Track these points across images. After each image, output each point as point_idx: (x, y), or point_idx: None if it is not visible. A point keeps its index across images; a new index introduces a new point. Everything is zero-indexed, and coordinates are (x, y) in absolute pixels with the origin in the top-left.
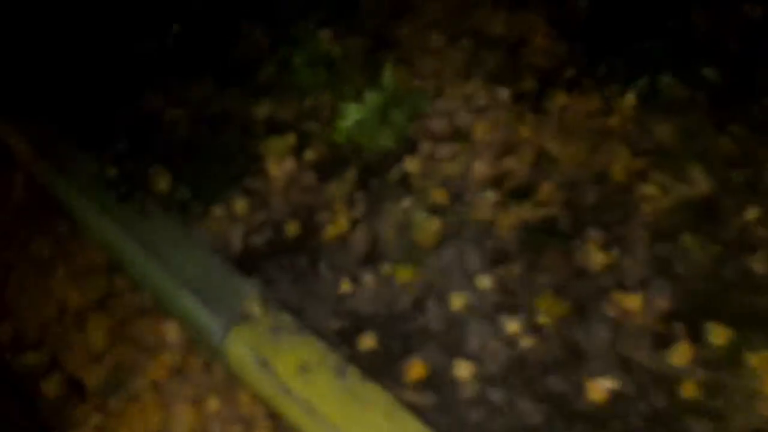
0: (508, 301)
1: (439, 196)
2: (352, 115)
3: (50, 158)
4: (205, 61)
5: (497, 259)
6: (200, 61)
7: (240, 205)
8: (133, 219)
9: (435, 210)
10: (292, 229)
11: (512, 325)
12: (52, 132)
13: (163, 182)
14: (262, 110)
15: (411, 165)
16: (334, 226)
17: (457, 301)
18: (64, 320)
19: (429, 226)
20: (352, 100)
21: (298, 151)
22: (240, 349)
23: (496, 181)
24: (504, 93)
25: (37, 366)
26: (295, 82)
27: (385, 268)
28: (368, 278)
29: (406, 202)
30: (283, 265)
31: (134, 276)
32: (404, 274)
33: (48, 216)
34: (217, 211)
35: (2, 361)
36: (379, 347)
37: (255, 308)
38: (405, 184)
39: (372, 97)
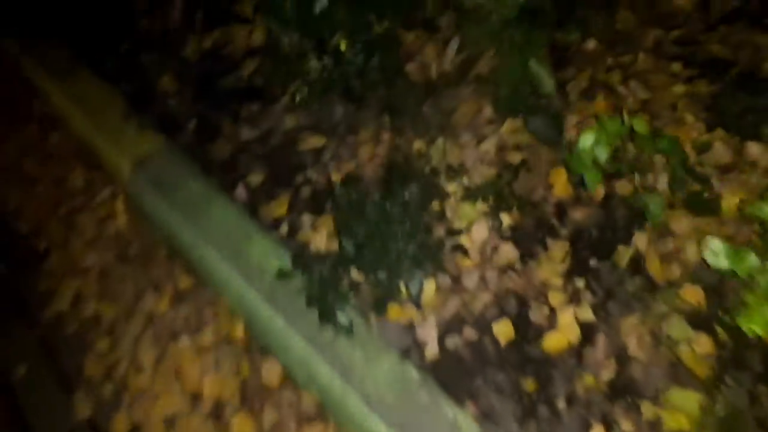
0: None
1: (691, 294)
2: None
3: (164, 189)
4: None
5: None
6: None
7: (429, 291)
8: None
9: (695, 318)
10: (502, 331)
11: None
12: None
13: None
14: (438, 152)
15: (641, 242)
16: (559, 334)
17: None
18: (198, 414)
19: (694, 345)
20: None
21: (492, 214)
22: None
23: None
24: (756, 150)
25: None
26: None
27: (647, 408)
28: (626, 424)
29: (649, 301)
30: (501, 388)
31: (290, 365)
32: (677, 422)
33: (160, 261)
34: (402, 295)
35: None
36: None
37: None
38: (639, 270)
39: None
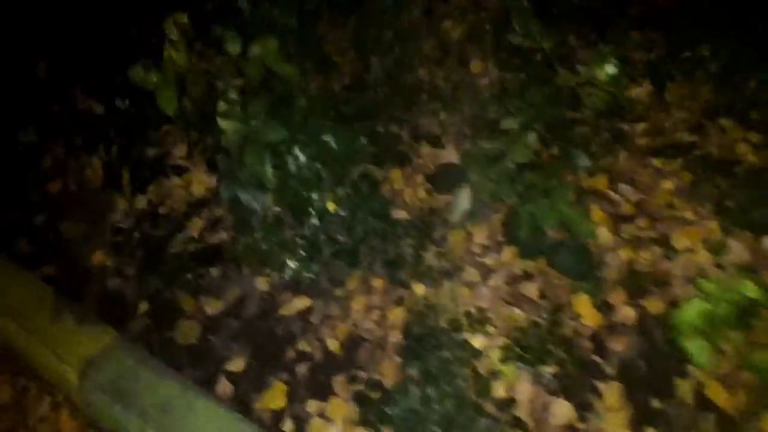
0: None
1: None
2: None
3: (126, 395)
4: None
5: None
6: None
7: None
8: None
9: None
10: None
11: None
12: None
13: None
14: (448, 299)
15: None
16: None
17: None
18: None
19: None
20: None
21: (530, 365)
22: None
23: None
24: None
25: None
26: None
27: None
28: None
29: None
30: None
31: None
32: None
33: None
34: None
35: None
36: None
37: None
38: (707, 404)
39: None
